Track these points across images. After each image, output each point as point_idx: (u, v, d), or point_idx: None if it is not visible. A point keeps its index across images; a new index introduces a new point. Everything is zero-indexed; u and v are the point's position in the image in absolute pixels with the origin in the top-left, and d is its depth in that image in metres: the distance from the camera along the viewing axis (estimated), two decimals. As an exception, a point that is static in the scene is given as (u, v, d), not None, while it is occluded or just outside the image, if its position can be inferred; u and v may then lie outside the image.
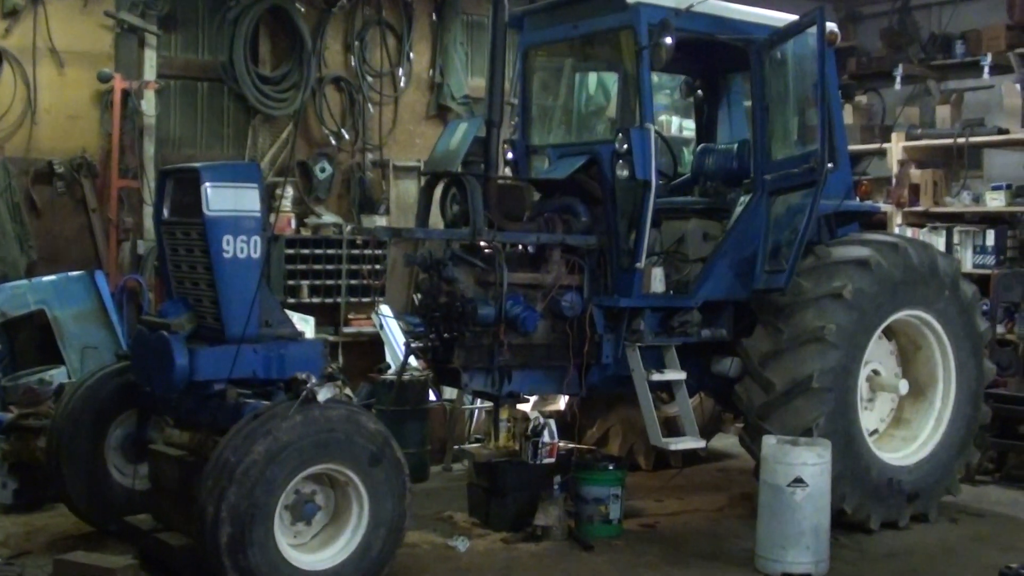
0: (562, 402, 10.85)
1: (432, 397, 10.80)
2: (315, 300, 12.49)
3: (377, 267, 12.80)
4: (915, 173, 13.67)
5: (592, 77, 10.41)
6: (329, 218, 12.84)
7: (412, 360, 9.64)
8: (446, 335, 8.60)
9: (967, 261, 12.97)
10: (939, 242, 13.06)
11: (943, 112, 14.23)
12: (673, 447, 9.06)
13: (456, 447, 10.84)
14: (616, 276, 8.90)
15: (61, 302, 10.89)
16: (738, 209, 9.33)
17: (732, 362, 9.17)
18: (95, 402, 8.25)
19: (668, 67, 9.61)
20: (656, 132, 8.80)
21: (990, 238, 12.97)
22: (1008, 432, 10.78)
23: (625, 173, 8.62)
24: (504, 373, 8.60)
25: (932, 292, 9.28)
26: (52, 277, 11.06)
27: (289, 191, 12.49)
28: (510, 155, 9.99)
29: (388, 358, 12.02)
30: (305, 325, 11.16)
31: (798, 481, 7.85)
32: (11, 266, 11.17)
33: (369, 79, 13.34)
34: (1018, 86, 13.34)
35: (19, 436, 9.04)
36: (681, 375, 8.96)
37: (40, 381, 10.10)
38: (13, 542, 8.24)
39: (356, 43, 13.21)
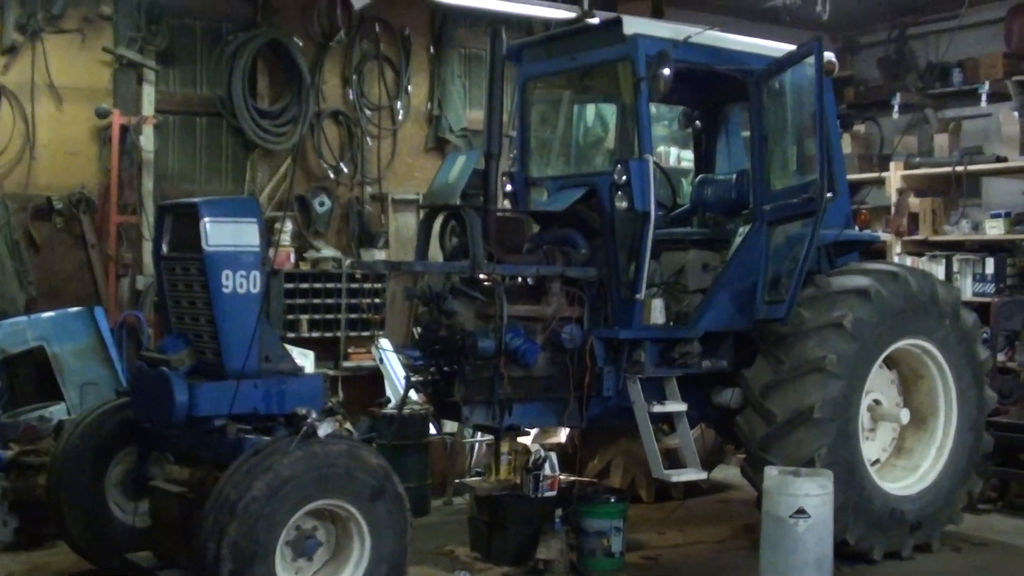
0: (563, 435, 10.81)
1: (432, 431, 10.76)
2: (315, 334, 12.49)
3: (376, 301, 12.77)
4: (914, 202, 13.69)
5: (590, 109, 10.42)
6: (328, 252, 12.83)
7: (412, 394, 9.61)
8: (446, 368, 8.59)
9: (967, 289, 12.97)
10: (939, 271, 13.06)
11: (941, 140, 14.26)
12: (675, 479, 9.04)
13: (457, 481, 10.79)
14: (616, 308, 8.89)
15: (60, 338, 10.87)
16: (737, 239, 9.33)
17: (733, 393, 9.15)
18: (95, 439, 8.21)
19: (666, 98, 9.65)
20: (655, 163, 8.81)
21: (989, 266, 12.97)
22: (1010, 460, 10.74)
23: (624, 204, 8.61)
24: (504, 406, 8.57)
25: (932, 321, 9.27)
26: (51, 313, 11.04)
27: (288, 225, 12.48)
28: (509, 187, 9.99)
29: (388, 392, 12.01)
30: (305, 360, 11.14)
31: (800, 512, 7.81)
32: (10, 303, 11.16)
33: (367, 112, 13.36)
34: (1016, 114, 13.38)
35: (19, 473, 9.02)
36: (682, 406, 8.94)
37: (40, 418, 10.06)
38: (13, 580, 8.22)
39: (354, 77, 13.23)
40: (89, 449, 8.18)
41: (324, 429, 6.92)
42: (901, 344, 9.16)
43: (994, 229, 13.02)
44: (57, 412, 10.31)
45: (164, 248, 7.92)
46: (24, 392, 10.87)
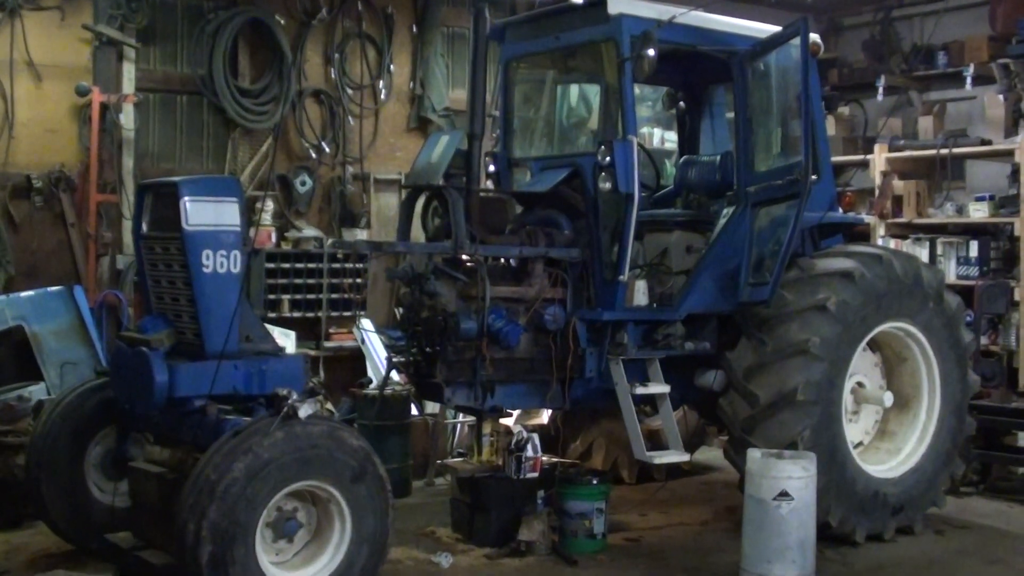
0: (545, 416, 10.79)
1: (414, 412, 10.75)
2: (296, 314, 12.42)
3: (358, 281, 12.74)
4: (898, 184, 13.66)
5: (574, 89, 10.39)
6: (310, 232, 12.77)
7: (394, 375, 9.58)
8: (428, 349, 8.57)
9: (951, 272, 12.95)
10: (923, 254, 13.05)
11: (926, 123, 14.24)
12: (657, 460, 9.03)
13: (439, 462, 10.80)
14: (599, 289, 8.87)
15: (40, 318, 10.81)
16: (721, 221, 9.31)
17: (716, 375, 9.14)
18: (74, 419, 8.17)
19: (650, 79, 9.58)
20: (639, 144, 8.77)
21: (973, 249, 12.96)
22: (993, 444, 10.78)
23: (608, 185, 8.59)
24: (487, 387, 8.55)
25: (916, 304, 9.27)
26: (30, 292, 10.98)
27: (269, 205, 12.41)
28: (492, 168, 9.94)
29: (370, 372, 12.00)
30: (286, 340, 11.09)
31: (783, 495, 7.81)
32: (-11, 282, 11.09)
33: (349, 92, 13.27)
34: (1000, 97, 13.36)
35: (-3, 453, 8.97)
36: (665, 388, 8.93)
37: (19, 398, 10.02)
38: (-8, 561, 8.18)
39: (336, 56, 13.15)
40: (68, 429, 8.14)
41: (305, 410, 6.88)
42: (885, 327, 9.15)
43: (978, 212, 13.01)
44: (36, 392, 10.27)
45: (144, 227, 7.86)
46: (3, 372, 10.81)
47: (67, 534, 8.26)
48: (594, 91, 10.07)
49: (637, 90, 9.25)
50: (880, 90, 14.72)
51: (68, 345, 10.87)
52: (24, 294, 10.96)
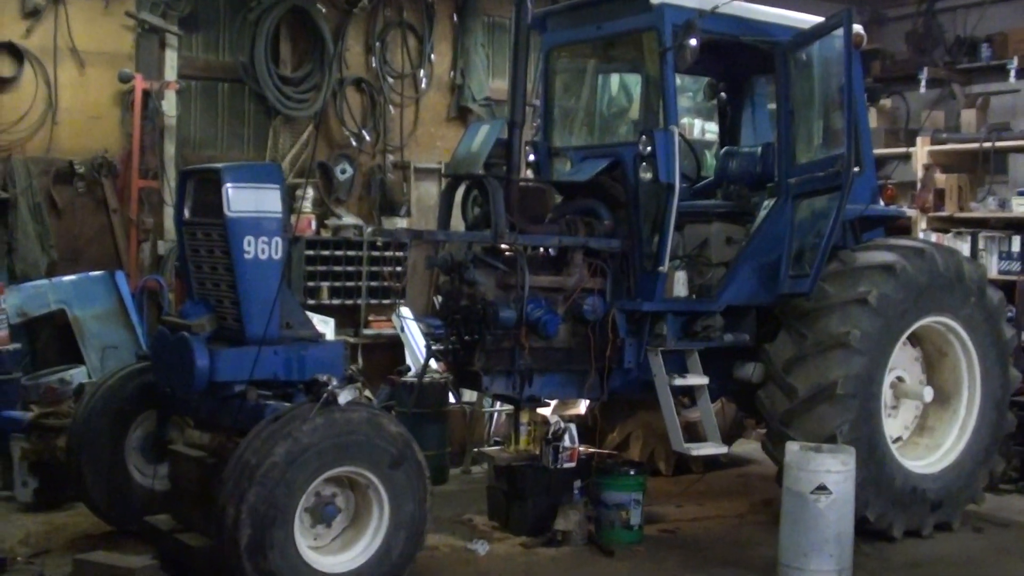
0: (583, 406, 10.79)
1: (452, 400, 10.76)
2: (335, 302, 12.47)
3: (398, 269, 12.77)
4: (940, 178, 13.56)
5: (615, 79, 10.35)
6: (349, 220, 12.81)
7: (432, 363, 9.59)
8: (467, 338, 8.57)
9: (992, 267, 12.83)
10: (964, 248, 12.93)
11: (968, 116, 14.11)
12: (695, 452, 9.02)
13: (475, 450, 10.81)
14: (639, 280, 8.85)
15: (81, 302, 10.91)
16: (762, 213, 9.27)
17: (755, 367, 9.10)
18: (115, 402, 8.24)
19: (692, 69, 9.56)
20: (680, 134, 8.74)
21: (1016, 244, 12.83)
22: (1033, 440, 10.69)
23: (648, 176, 8.57)
24: (525, 376, 8.55)
25: (958, 298, 9.20)
26: (72, 277, 11.09)
27: (310, 192, 12.46)
28: (532, 157, 9.93)
29: (408, 360, 12.03)
30: (325, 327, 11.13)
31: (822, 488, 7.77)
32: (32, 266, 11.18)
33: (390, 80, 13.30)
34: (1045, 90, 13.24)
35: (39, 435, 9.05)
36: (703, 380, 8.91)
37: (60, 381, 10.12)
38: (33, 541, 8.25)
39: (377, 44, 13.17)
40: (109, 412, 8.22)
41: (344, 396, 6.92)
42: (926, 321, 9.09)
43: (1021, 207, 12.87)
44: (78, 375, 10.37)
45: (186, 213, 7.91)
46: (45, 355, 10.92)
47: (107, 516, 8.34)
48: (635, 81, 10.03)
49: (678, 80, 9.20)
50: (923, 82, 14.59)
51: (109, 329, 10.97)
52: (66, 278, 11.06)
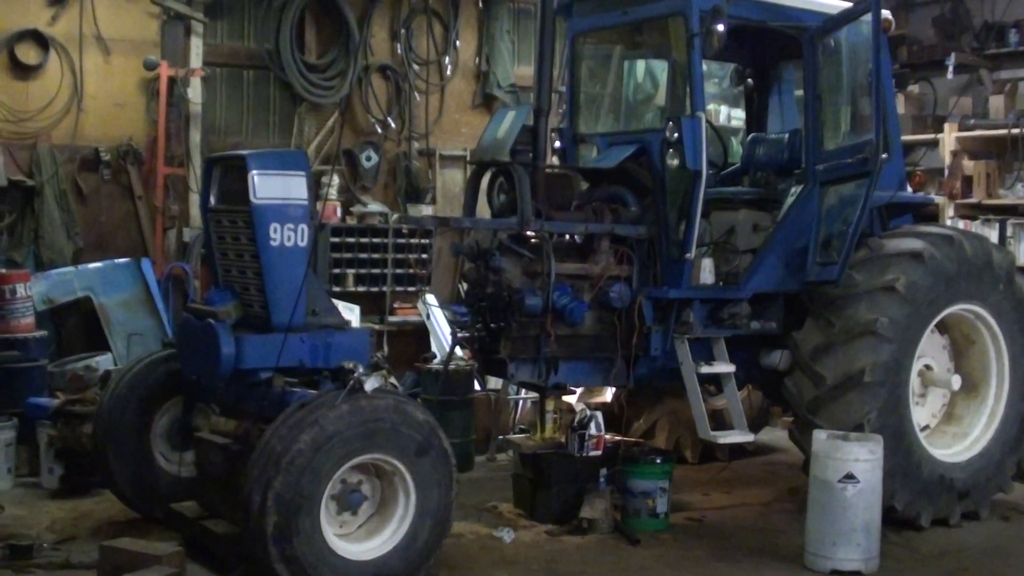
0: (609, 394, 10.76)
1: (477, 387, 10.75)
2: (360, 289, 12.47)
3: (423, 256, 12.76)
4: (968, 164, 13.45)
5: (641, 65, 10.29)
6: (375, 207, 12.81)
7: (458, 350, 9.58)
8: (492, 325, 8.56)
9: (1021, 254, 12.74)
10: (992, 235, 12.81)
11: (996, 102, 13.99)
12: (721, 440, 9.00)
13: (501, 437, 10.80)
14: (665, 267, 8.81)
15: (107, 289, 10.95)
16: (789, 200, 9.22)
17: (782, 355, 9.06)
18: (141, 389, 8.26)
19: (719, 55, 9.50)
20: (707, 121, 8.69)
21: (1045, 231, 12.75)
22: (1062, 429, 10.59)
23: (675, 162, 8.53)
24: (551, 364, 8.53)
25: (986, 286, 9.13)
26: (98, 264, 11.13)
27: (335, 179, 12.46)
28: (558, 144, 9.89)
29: (434, 347, 12.02)
30: (351, 314, 11.14)
31: (849, 477, 7.74)
32: (58, 253, 11.24)
33: (415, 67, 13.29)
34: (1074, 76, 13.13)
35: (65, 422, 9.08)
36: (730, 368, 8.88)
37: (86, 368, 10.14)
38: (59, 527, 8.29)
39: (402, 31, 13.16)
40: (135, 399, 8.23)
41: (370, 384, 6.91)
42: (954, 309, 9.03)
43: (1050, 193, 12.80)
44: (103, 362, 10.41)
45: (212, 200, 7.91)
46: (71, 342, 10.97)
47: (133, 503, 8.36)
48: (662, 67, 9.97)
49: (705, 66, 9.15)
50: (950, 68, 14.46)
51: (135, 316, 11.01)
52: (92, 266, 11.11)
